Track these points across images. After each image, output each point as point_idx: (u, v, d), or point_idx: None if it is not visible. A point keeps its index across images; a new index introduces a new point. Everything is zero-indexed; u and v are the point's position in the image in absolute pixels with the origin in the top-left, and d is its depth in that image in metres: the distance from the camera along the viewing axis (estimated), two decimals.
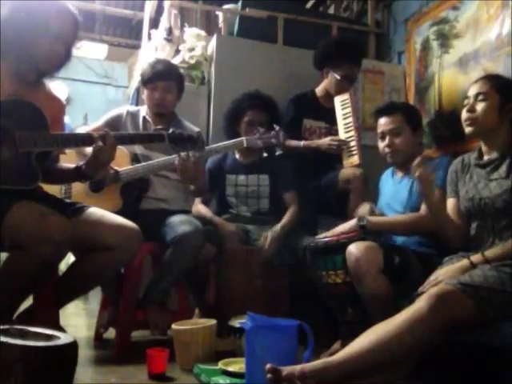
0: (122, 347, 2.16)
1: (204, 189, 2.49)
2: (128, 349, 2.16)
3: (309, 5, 4.34)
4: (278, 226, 2.48)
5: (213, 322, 2.01)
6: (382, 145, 2.22)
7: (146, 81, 2.53)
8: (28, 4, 1.78)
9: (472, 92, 1.84)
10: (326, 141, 2.75)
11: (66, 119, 2.13)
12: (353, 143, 2.71)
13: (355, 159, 2.68)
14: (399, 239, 2.15)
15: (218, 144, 2.40)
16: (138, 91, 3.07)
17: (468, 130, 1.83)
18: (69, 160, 2.08)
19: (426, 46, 3.32)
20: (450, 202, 1.93)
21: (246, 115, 2.65)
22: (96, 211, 1.94)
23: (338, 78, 2.83)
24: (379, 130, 2.23)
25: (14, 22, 1.75)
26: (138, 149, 2.43)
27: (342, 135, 2.76)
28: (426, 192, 1.85)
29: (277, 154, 2.46)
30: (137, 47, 5.25)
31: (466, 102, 1.85)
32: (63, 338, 1.28)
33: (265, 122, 2.61)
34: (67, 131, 2.36)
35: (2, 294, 1.65)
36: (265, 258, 2.42)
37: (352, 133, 2.73)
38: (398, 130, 2.17)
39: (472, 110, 1.81)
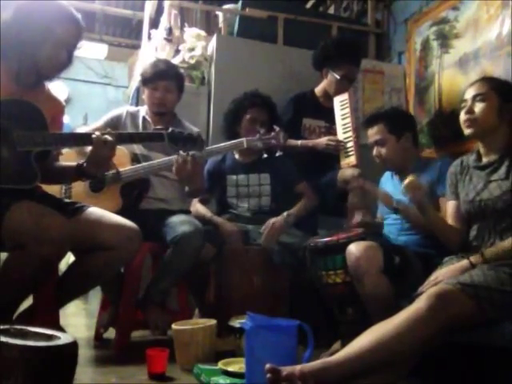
0: (121, 347, 2.16)
1: (200, 190, 2.49)
2: (128, 349, 2.16)
3: (309, 5, 4.34)
4: (289, 212, 2.49)
5: (213, 322, 2.01)
6: (373, 154, 2.27)
7: (147, 80, 2.53)
8: (32, 7, 1.78)
9: (469, 94, 1.83)
10: (323, 141, 2.75)
11: (66, 119, 2.12)
12: (350, 144, 2.71)
13: (352, 160, 2.69)
14: (399, 239, 2.15)
15: (218, 145, 2.40)
16: (138, 91, 3.07)
17: (467, 131, 1.82)
18: (68, 160, 2.08)
19: (425, 46, 3.32)
20: (451, 205, 1.93)
21: (247, 113, 2.65)
22: (96, 211, 1.94)
23: (338, 78, 2.83)
24: (368, 140, 2.28)
25: (16, 24, 1.75)
26: (138, 149, 2.43)
27: (340, 135, 2.76)
28: (420, 209, 1.88)
29: (277, 155, 2.46)
30: (137, 47, 5.25)
31: (463, 104, 1.85)
32: (63, 338, 1.27)
33: (265, 121, 2.62)
34: (67, 131, 2.35)
35: (2, 293, 1.65)
36: (266, 245, 2.42)
37: (350, 133, 2.74)
38: (381, 141, 2.21)
39: (471, 111, 1.80)
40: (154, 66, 2.56)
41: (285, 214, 2.47)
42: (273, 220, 2.46)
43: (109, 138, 1.84)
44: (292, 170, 2.67)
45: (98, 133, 1.86)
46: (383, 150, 2.21)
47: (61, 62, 1.85)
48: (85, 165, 1.90)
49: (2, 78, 1.75)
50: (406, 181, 1.86)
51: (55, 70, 1.87)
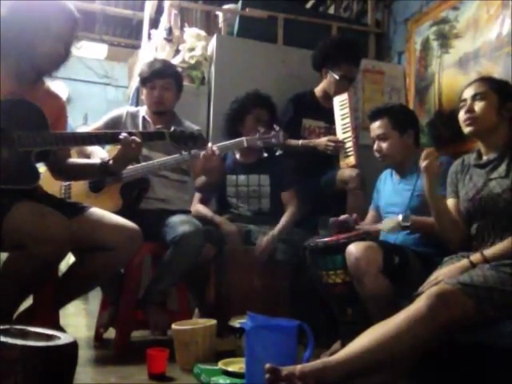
0: (121, 347, 2.16)
1: (216, 184, 2.48)
2: (128, 349, 2.16)
3: (309, 5, 4.34)
4: (276, 229, 2.48)
5: (213, 322, 2.01)
6: (374, 148, 2.26)
7: (145, 80, 2.54)
8: (27, 3, 1.79)
9: (468, 94, 1.83)
10: (323, 141, 2.75)
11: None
12: (349, 144, 2.71)
13: (351, 160, 2.69)
14: (399, 239, 2.14)
15: (219, 144, 2.40)
16: (137, 91, 3.07)
17: (467, 129, 1.82)
18: None
19: (426, 46, 3.32)
20: (450, 203, 1.93)
21: (250, 114, 2.65)
22: (96, 211, 1.94)
23: (337, 78, 2.83)
24: (371, 134, 2.27)
25: (13, 21, 1.76)
26: None
27: (340, 135, 2.76)
28: (430, 184, 1.83)
29: (277, 154, 2.46)
30: (137, 47, 5.25)
31: (461, 104, 1.85)
32: (63, 338, 1.28)
33: (267, 121, 2.62)
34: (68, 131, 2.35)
35: (2, 293, 1.65)
36: (261, 260, 2.42)
37: (349, 133, 2.74)
38: (383, 136, 2.21)
39: (471, 110, 1.80)
40: (150, 65, 2.56)
41: (274, 231, 2.47)
42: (264, 238, 2.45)
43: (137, 139, 1.89)
44: (286, 173, 2.66)
45: (125, 134, 1.90)
46: (384, 145, 2.20)
47: (59, 55, 1.86)
48: (110, 162, 1.94)
49: (2, 76, 1.76)
50: (425, 151, 1.83)
51: (54, 64, 1.87)
